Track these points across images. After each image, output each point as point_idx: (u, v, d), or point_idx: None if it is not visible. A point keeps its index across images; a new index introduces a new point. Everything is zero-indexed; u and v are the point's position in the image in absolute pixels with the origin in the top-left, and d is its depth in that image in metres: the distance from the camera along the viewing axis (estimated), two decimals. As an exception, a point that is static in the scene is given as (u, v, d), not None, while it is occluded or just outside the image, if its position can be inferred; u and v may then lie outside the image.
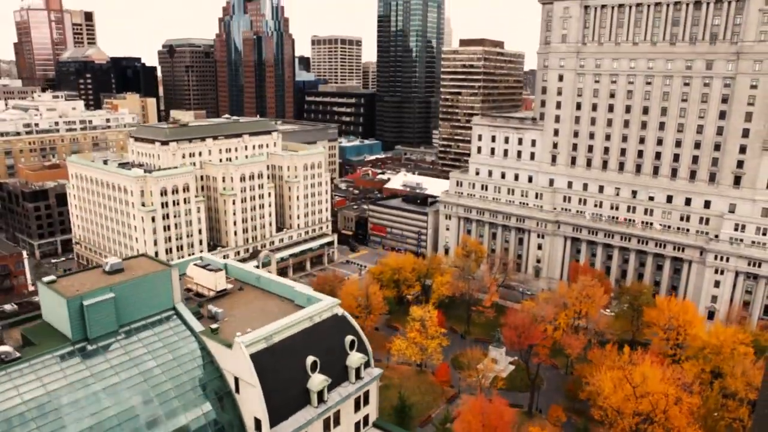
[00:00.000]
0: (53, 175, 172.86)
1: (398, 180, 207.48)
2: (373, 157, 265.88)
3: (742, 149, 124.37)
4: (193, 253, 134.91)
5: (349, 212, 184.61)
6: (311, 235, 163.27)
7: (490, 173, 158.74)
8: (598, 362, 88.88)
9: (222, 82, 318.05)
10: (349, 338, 48.17)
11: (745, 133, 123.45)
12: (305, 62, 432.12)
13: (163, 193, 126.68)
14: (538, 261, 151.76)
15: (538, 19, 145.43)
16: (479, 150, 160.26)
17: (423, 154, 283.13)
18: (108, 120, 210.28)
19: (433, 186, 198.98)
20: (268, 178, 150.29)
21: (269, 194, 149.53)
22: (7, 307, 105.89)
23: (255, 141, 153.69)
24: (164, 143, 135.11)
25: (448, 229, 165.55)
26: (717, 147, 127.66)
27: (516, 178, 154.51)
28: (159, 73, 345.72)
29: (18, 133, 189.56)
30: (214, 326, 45.50)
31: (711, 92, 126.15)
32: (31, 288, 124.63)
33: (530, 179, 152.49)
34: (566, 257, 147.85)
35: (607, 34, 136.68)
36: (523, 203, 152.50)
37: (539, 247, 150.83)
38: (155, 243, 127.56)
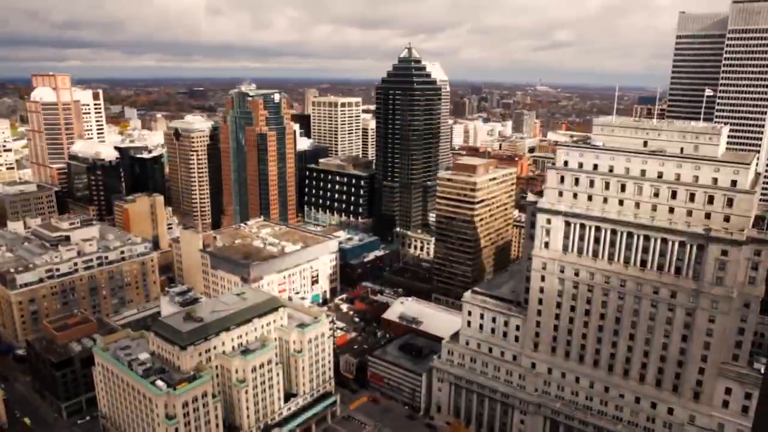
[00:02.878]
0: (78, 332, 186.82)
1: (396, 310, 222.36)
2: (372, 256, 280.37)
3: (701, 371, 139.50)
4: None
5: (351, 358, 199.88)
6: (315, 396, 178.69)
7: (478, 345, 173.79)
8: None
9: (226, 175, 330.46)
10: None
11: (704, 359, 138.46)
12: (305, 121, 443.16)
13: (185, 405, 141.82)
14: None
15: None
16: (469, 324, 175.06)
17: (420, 244, 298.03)
18: (122, 252, 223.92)
19: (428, 319, 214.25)
20: (276, 357, 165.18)
21: (278, 374, 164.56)
22: None
23: (263, 321, 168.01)
24: (183, 347, 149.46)
25: (440, 390, 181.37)
26: (680, 364, 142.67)
27: (502, 354, 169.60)
28: (164, 156, 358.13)
29: (41, 280, 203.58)
30: None
31: (675, 318, 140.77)
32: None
33: (514, 358, 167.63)
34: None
35: (585, 249, 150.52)
36: (508, 381, 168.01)
37: (522, 422, 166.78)
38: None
